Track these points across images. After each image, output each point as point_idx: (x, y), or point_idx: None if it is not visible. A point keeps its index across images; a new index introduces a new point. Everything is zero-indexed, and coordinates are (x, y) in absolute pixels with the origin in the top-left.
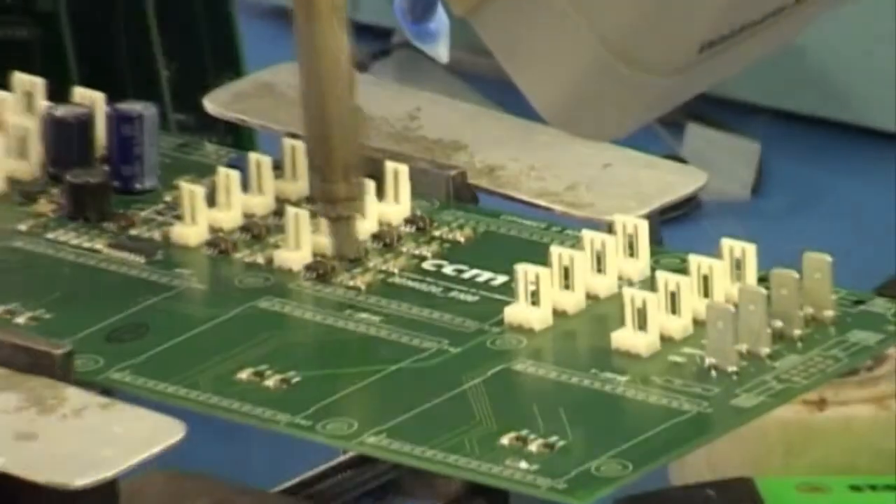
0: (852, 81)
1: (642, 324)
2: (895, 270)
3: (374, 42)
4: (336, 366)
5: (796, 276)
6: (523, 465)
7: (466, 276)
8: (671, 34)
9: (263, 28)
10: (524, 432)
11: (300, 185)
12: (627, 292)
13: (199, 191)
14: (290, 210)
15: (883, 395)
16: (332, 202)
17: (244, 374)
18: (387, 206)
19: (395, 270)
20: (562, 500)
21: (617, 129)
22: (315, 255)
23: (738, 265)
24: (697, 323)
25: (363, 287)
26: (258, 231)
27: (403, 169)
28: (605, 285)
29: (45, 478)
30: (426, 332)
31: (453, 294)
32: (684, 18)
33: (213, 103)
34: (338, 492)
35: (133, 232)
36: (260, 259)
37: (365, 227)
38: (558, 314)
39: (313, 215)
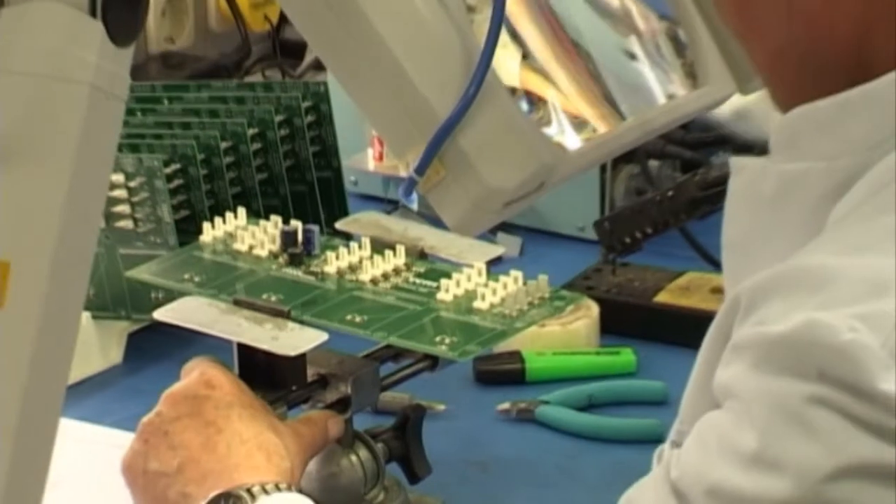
0: None
1: (484, 298)
2: None
3: (391, 204)
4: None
5: (522, 280)
6: (443, 347)
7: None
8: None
9: None
10: (441, 336)
11: None
12: (481, 291)
13: None
14: None
15: (566, 323)
16: None
17: None
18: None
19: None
20: (454, 356)
21: (481, 230)
22: None
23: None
24: (504, 298)
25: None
26: None
27: None
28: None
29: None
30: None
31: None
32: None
33: None
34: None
35: None
36: None
37: None
38: (458, 298)
39: None
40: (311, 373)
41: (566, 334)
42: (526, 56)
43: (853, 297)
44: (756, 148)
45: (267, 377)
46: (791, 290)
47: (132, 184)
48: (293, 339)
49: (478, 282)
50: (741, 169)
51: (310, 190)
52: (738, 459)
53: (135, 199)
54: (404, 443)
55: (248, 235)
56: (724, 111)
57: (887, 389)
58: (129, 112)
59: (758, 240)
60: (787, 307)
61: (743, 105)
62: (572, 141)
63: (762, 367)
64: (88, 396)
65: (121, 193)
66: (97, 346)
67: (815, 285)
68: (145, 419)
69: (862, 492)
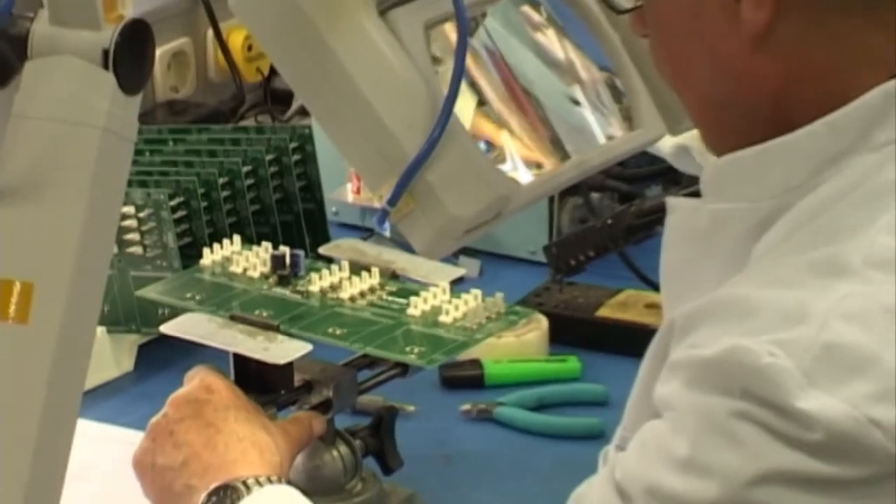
0: None
1: (448, 313)
2: None
3: (367, 231)
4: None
5: (481, 298)
6: (413, 356)
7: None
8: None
9: None
10: (410, 347)
11: None
12: (445, 307)
13: None
14: None
15: (519, 335)
16: None
17: None
18: None
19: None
20: (422, 364)
21: (445, 254)
22: None
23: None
24: (466, 313)
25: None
26: None
27: None
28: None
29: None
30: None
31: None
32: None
33: None
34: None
35: None
36: None
37: None
38: (426, 313)
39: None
40: (297, 379)
41: (519, 344)
42: (483, 102)
43: (772, 325)
44: (684, 181)
45: (259, 383)
46: (719, 318)
47: (141, 214)
48: (282, 350)
49: (442, 299)
50: (677, 208)
51: (296, 219)
52: (672, 464)
53: (143, 227)
54: (379, 439)
55: (243, 259)
56: (666, 148)
57: (802, 406)
58: (138, 152)
59: (692, 268)
60: (715, 333)
61: (682, 142)
62: (524, 176)
63: (694, 384)
64: (104, 400)
65: (131, 223)
66: (111, 356)
67: (740, 315)
68: (153, 420)
69: (781, 496)
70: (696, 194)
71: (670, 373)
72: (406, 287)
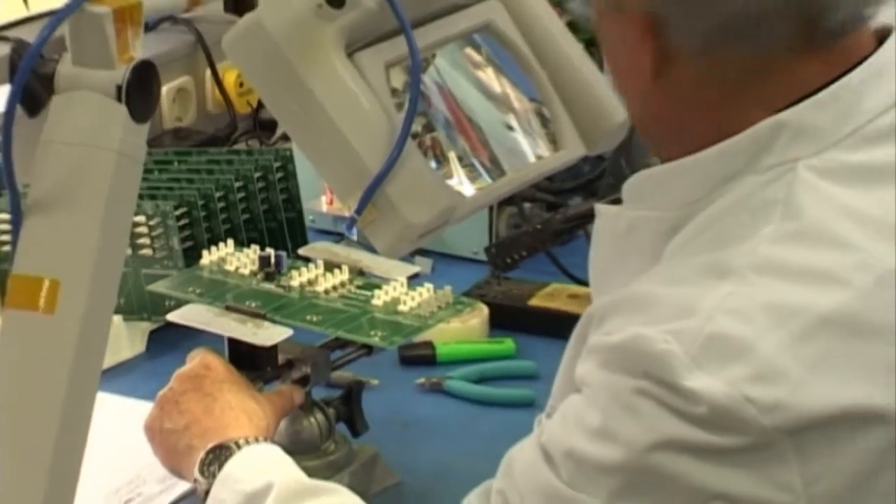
0: None
1: (405, 303)
2: None
3: (339, 235)
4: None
5: (432, 290)
6: (376, 339)
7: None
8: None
9: None
10: (374, 331)
11: None
12: (403, 298)
13: None
14: None
15: (464, 321)
16: None
17: None
18: None
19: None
20: (384, 345)
21: (402, 254)
22: None
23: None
24: (420, 303)
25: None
26: None
27: None
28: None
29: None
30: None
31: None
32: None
33: None
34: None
35: None
36: None
37: None
38: (387, 303)
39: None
40: (281, 358)
41: (465, 329)
42: (433, 128)
43: (667, 317)
44: (600, 192)
45: (249, 361)
46: (627, 310)
47: (151, 223)
48: (268, 334)
49: (401, 291)
50: (603, 213)
51: (279, 226)
52: (587, 432)
53: (153, 233)
54: (349, 408)
55: (235, 259)
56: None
57: (690, 385)
58: (148, 171)
59: (615, 264)
60: (623, 322)
61: None
62: (468, 189)
63: (605, 365)
64: (120, 377)
65: (142, 229)
66: (126, 340)
67: (643, 307)
68: (161, 392)
69: (673, 461)
70: (619, 202)
71: (588, 355)
72: (370, 282)
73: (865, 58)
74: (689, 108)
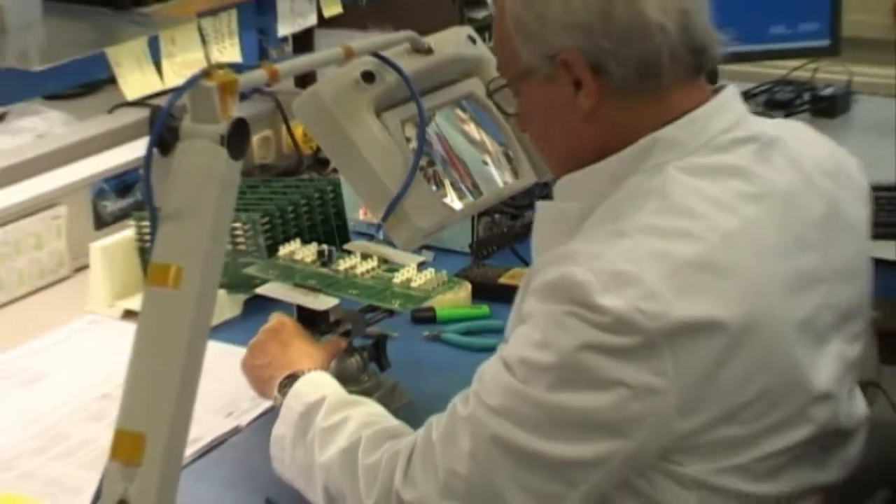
0: None
1: (415, 281)
2: None
3: (371, 237)
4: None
5: (433, 273)
6: (396, 305)
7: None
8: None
9: None
10: (395, 300)
11: None
12: (414, 278)
13: None
14: None
15: (455, 294)
16: None
17: None
18: None
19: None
20: (401, 309)
21: (414, 248)
22: None
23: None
24: (426, 281)
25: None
26: None
27: None
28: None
29: None
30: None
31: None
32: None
33: None
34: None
35: None
36: None
37: None
38: (403, 281)
39: None
40: (331, 318)
41: (456, 299)
42: (434, 163)
43: (585, 261)
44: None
45: (310, 320)
46: (556, 261)
47: (244, 228)
48: (322, 302)
49: (413, 273)
50: (542, 207)
51: (331, 230)
52: (531, 344)
53: (245, 235)
54: (377, 352)
55: (301, 252)
56: None
57: (601, 302)
58: (242, 193)
59: (548, 240)
60: (554, 270)
61: None
62: (457, 205)
63: (542, 299)
64: (225, 331)
65: (238, 232)
66: (228, 306)
67: (568, 258)
68: (252, 342)
69: (591, 358)
70: (551, 198)
71: (531, 295)
72: (392, 267)
73: (706, 99)
74: (609, 137)
